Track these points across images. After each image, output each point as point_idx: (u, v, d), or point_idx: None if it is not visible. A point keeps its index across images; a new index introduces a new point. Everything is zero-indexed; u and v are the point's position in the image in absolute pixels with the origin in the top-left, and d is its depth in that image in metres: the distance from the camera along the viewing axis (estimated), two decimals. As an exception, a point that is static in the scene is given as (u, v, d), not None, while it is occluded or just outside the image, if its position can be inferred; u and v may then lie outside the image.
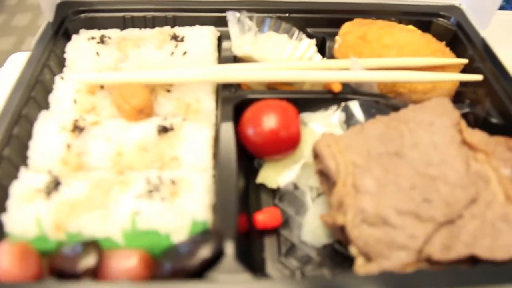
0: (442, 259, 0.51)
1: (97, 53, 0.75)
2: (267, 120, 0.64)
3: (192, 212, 0.55)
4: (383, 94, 0.73)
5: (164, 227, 0.55)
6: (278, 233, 0.63)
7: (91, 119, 0.66)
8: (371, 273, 0.50)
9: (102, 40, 0.77)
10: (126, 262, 0.52)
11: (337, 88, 0.70)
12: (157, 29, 0.80)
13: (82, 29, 0.81)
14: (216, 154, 0.64)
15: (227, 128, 0.65)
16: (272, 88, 0.76)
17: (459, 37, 0.82)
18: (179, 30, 0.79)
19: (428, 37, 0.78)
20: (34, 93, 0.69)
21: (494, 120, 0.70)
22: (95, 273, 0.51)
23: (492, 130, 0.65)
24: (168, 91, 0.71)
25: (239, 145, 0.66)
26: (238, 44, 0.76)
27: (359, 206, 0.54)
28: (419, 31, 0.80)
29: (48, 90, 0.72)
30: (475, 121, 0.70)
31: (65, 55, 0.76)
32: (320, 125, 0.68)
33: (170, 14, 0.84)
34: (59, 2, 0.83)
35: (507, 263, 0.51)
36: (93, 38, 0.77)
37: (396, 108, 0.67)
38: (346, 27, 0.81)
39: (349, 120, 0.69)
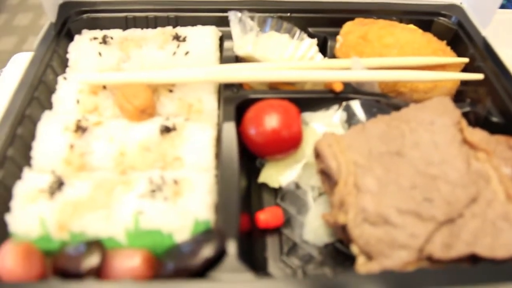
0: (442, 258, 0.51)
1: (100, 54, 0.75)
2: (269, 120, 0.64)
3: (194, 211, 0.56)
4: (384, 94, 0.73)
5: (166, 227, 0.55)
6: (280, 232, 0.64)
7: (94, 119, 0.66)
8: (372, 272, 0.50)
9: (104, 41, 0.77)
10: (129, 262, 0.53)
11: (338, 87, 0.71)
12: (159, 29, 0.80)
13: (84, 29, 0.81)
14: (218, 154, 0.64)
15: (229, 128, 0.65)
16: (274, 88, 0.76)
17: (460, 36, 0.82)
18: (181, 30, 0.79)
19: (429, 36, 0.78)
20: (37, 93, 0.69)
21: (494, 119, 0.70)
22: (98, 272, 0.51)
23: (493, 129, 0.65)
24: (171, 91, 0.71)
25: (241, 144, 0.66)
26: (240, 44, 0.76)
27: (360, 206, 0.54)
28: (420, 30, 0.80)
29: (51, 90, 0.72)
30: (476, 120, 0.71)
31: (68, 56, 0.77)
32: (322, 124, 0.69)
33: (172, 14, 0.84)
34: (62, 3, 0.84)
35: (508, 262, 0.51)
36: (95, 38, 0.78)
37: (397, 108, 0.67)
38: (347, 26, 0.81)
39: (351, 119, 0.69)
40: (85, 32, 0.81)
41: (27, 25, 2.50)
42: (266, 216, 0.63)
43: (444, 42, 0.79)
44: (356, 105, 0.69)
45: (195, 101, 0.71)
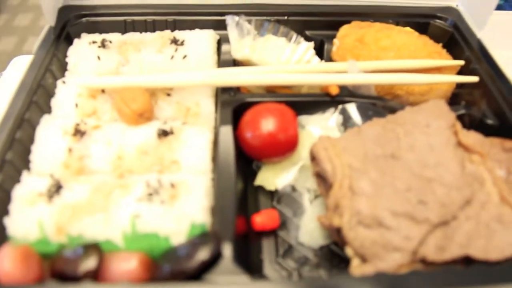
0: (436, 260, 0.51)
1: (98, 57, 0.76)
2: (265, 123, 0.65)
3: (191, 215, 0.56)
4: (380, 96, 0.74)
5: (163, 230, 0.56)
6: (275, 235, 0.64)
7: (92, 123, 0.67)
8: (366, 274, 0.51)
9: (103, 44, 0.78)
10: (126, 265, 0.53)
11: (334, 91, 0.71)
12: (157, 33, 0.81)
13: (83, 33, 0.82)
14: (215, 157, 0.65)
15: (226, 131, 0.66)
16: (271, 91, 0.77)
17: (456, 38, 0.83)
18: (179, 34, 0.80)
19: (425, 39, 0.79)
20: (36, 97, 0.70)
21: (489, 121, 0.70)
22: (95, 275, 0.52)
23: (487, 131, 0.66)
24: (168, 95, 0.72)
25: (238, 148, 0.67)
26: (237, 47, 0.77)
27: (355, 208, 0.54)
28: (416, 33, 0.80)
29: (50, 94, 0.73)
30: (470, 122, 0.71)
31: (67, 59, 0.78)
32: (318, 127, 0.69)
33: (170, 18, 0.85)
34: (61, 7, 0.85)
35: (501, 264, 0.51)
36: (94, 42, 0.78)
37: (393, 110, 0.67)
38: (344, 30, 0.82)
39: (346, 122, 0.70)
40: (84, 36, 0.81)
41: (27, 26, 2.51)
42: (262, 219, 0.63)
43: (440, 44, 0.80)
44: (352, 108, 0.70)
45: (193, 104, 0.71)
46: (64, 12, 0.84)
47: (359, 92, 0.73)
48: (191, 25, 0.84)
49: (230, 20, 0.78)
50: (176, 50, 0.77)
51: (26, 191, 0.59)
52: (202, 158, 0.64)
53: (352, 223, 0.54)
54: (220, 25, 0.82)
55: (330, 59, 0.82)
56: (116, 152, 0.64)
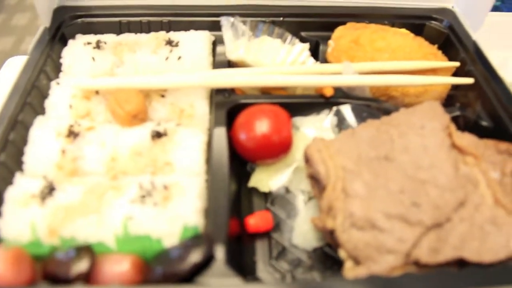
0: (430, 262, 0.51)
1: (93, 58, 0.76)
2: (259, 125, 0.65)
3: (183, 217, 0.56)
4: (375, 98, 0.74)
5: (156, 232, 0.55)
6: (269, 237, 0.64)
7: (86, 125, 0.67)
8: (359, 277, 0.51)
9: (98, 45, 0.78)
10: (118, 267, 0.53)
11: (329, 92, 0.71)
12: (152, 34, 0.81)
13: (78, 34, 0.81)
14: (209, 159, 0.64)
15: (220, 133, 0.66)
16: (266, 92, 0.76)
17: (451, 40, 0.83)
18: (174, 35, 0.80)
19: (420, 40, 0.79)
20: (30, 98, 0.70)
21: (484, 123, 0.70)
22: (87, 277, 0.51)
23: (482, 133, 0.66)
24: (163, 96, 0.72)
25: (232, 149, 0.67)
26: (232, 48, 0.76)
27: (348, 210, 0.54)
28: (412, 35, 0.80)
29: (44, 95, 0.72)
30: (465, 124, 0.71)
31: (62, 60, 0.77)
32: (312, 129, 0.69)
33: (165, 19, 0.85)
34: (56, 7, 0.84)
35: (495, 266, 0.51)
36: (89, 43, 0.78)
37: (387, 112, 0.67)
38: (339, 31, 0.81)
39: (341, 124, 0.69)
40: (79, 36, 0.81)
41: (25, 25, 2.50)
42: (256, 221, 0.63)
43: (435, 46, 0.80)
44: (346, 110, 0.70)
45: (187, 106, 0.71)
46: (59, 13, 0.84)
47: (354, 94, 0.73)
48: (187, 26, 0.84)
49: (225, 21, 0.78)
50: (171, 51, 0.76)
51: (19, 193, 0.59)
52: (195, 159, 0.64)
53: (345, 225, 0.54)
54: (216, 26, 0.81)
55: (325, 60, 0.82)
56: (110, 154, 0.64)
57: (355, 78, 0.71)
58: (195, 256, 0.51)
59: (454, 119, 0.69)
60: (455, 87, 0.77)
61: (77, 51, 0.77)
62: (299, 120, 0.71)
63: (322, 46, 0.84)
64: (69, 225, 0.56)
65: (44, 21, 0.81)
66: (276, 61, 0.75)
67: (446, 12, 0.87)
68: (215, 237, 0.54)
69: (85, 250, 0.53)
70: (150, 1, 0.86)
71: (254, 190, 0.68)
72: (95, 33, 0.82)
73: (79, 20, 0.84)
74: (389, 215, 0.54)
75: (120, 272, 0.53)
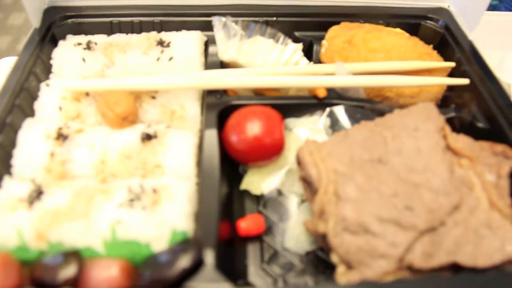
0: (423, 267, 0.50)
1: (84, 59, 0.75)
2: (251, 127, 0.64)
3: (172, 221, 0.55)
4: (369, 99, 0.73)
5: (144, 236, 0.54)
6: (261, 240, 0.63)
7: (76, 127, 0.66)
8: (352, 282, 0.50)
9: (88, 46, 0.76)
10: (106, 272, 0.52)
11: (321, 93, 0.70)
12: (143, 34, 0.80)
13: (69, 34, 0.81)
14: (199, 162, 0.64)
15: (211, 135, 0.65)
16: (259, 93, 0.75)
17: (447, 39, 0.82)
18: (165, 36, 0.79)
19: (415, 40, 0.78)
20: (19, 100, 0.69)
21: (480, 125, 0.69)
22: (75, 283, 0.50)
23: (477, 134, 0.65)
24: (153, 97, 0.71)
25: (224, 151, 0.66)
26: (224, 49, 0.75)
27: (340, 214, 0.53)
28: (407, 34, 0.79)
29: (33, 97, 0.71)
30: (461, 125, 0.70)
31: (52, 61, 0.76)
32: (305, 130, 0.68)
33: (157, 19, 0.84)
34: (46, 8, 0.83)
35: (489, 271, 0.50)
36: (79, 44, 0.77)
37: (382, 113, 0.66)
38: (333, 31, 0.81)
39: (334, 125, 0.69)
40: (70, 37, 0.80)
41: (21, 25, 2.49)
42: (247, 224, 0.62)
43: (431, 46, 0.79)
44: (339, 111, 0.69)
45: (178, 107, 0.70)
46: (49, 13, 0.83)
47: (348, 95, 0.72)
48: (179, 26, 0.83)
49: (216, 21, 0.77)
50: (162, 52, 0.75)
51: (7, 197, 0.58)
52: (186, 162, 0.63)
53: (337, 229, 0.53)
54: (208, 26, 0.80)
55: (318, 61, 0.81)
56: (99, 156, 0.63)
57: (349, 78, 0.70)
58: (184, 261, 0.50)
59: (449, 121, 0.68)
60: (450, 88, 0.76)
61: (67, 52, 0.76)
62: (292, 122, 0.70)
63: (316, 46, 0.83)
64: (56, 229, 0.55)
65: (34, 21, 0.80)
66: (269, 62, 0.74)
67: (442, 12, 0.86)
68: (204, 242, 0.53)
69: (73, 255, 0.52)
70: (141, 1, 0.85)
71: (246, 192, 0.68)
72: (86, 33, 0.81)
73: (70, 20, 0.83)
74: (382, 219, 0.53)
75: (108, 277, 0.52)
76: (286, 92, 0.75)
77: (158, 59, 0.75)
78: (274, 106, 0.68)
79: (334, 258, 0.53)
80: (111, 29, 0.83)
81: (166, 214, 0.55)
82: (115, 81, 0.69)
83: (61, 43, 0.78)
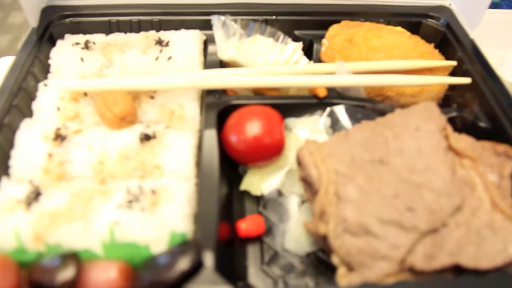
0: (425, 269, 0.50)
1: (82, 59, 0.74)
2: (250, 127, 0.63)
3: (171, 223, 0.55)
4: (370, 98, 0.72)
5: (143, 238, 0.54)
6: (261, 241, 0.63)
7: (74, 127, 0.65)
8: (353, 284, 0.49)
9: (86, 46, 0.76)
10: (105, 274, 0.52)
11: (322, 93, 0.69)
12: (142, 33, 0.79)
13: (67, 34, 0.80)
14: (199, 162, 0.63)
15: (210, 135, 0.64)
16: (258, 93, 0.75)
17: (448, 38, 0.81)
18: (164, 35, 0.78)
19: (416, 39, 0.77)
20: (17, 100, 0.68)
21: (482, 124, 0.68)
22: (73, 285, 0.50)
23: (480, 134, 0.64)
24: (152, 97, 0.70)
25: (223, 152, 0.65)
26: (223, 48, 0.75)
27: (341, 215, 0.53)
28: (408, 33, 0.79)
29: (31, 97, 0.71)
30: (462, 125, 0.69)
31: (50, 61, 0.76)
32: (305, 130, 0.67)
33: (156, 18, 0.83)
34: (44, 7, 0.82)
35: (492, 272, 0.50)
36: (77, 43, 0.76)
37: (382, 113, 0.65)
38: (333, 29, 0.80)
39: (335, 125, 0.68)
40: (68, 36, 0.79)
41: (21, 24, 2.49)
42: (247, 225, 0.62)
43: (432, 44, 0.78)
44: (340, 111, 0.68)
45: (177, 107, 0.69)
46: (47, 13, 0.82)
47: (348, 94, 0.71)
48: (178, 25, 0.82)
49: (216, 20, 0.76)
50: (161, 51, 0.75)
51: (4, 198, 0.57)
52: (185, 163, 0.62)
53: (338, 230, 0.52)
54: (207, 25, 0.79)
55: (319, 60, 0.80)
56: (97, 157, 0.63)
57: (349, 78, 0.69)
58: (183, 264, 0.50)
59: (451, 120, 0.67)
60: (452, 87, 0.76)
61: (65, 51, 0.76)
62: (292, 121, 0.69)
63: (316, 45, 0.82)
64: (55, 231, 0.55)
65: (32, 21, 0.79)
66: (269, 61, 0.74)
67: (443, 10, 0.85)
68: (204, 243, 0.52)
69: (71, 257, 0.51)
70: (139, 0, 0.84)
71: (246, 193, 0.67)
72: (84, 32, 0.80)
73: (68, 19, 0.82)
74: (383, 221, 0.52)
75: (107, 279, 0.51)
76: (286, 91, 0.74)
77: (157, 58, 0.74)
78: (274, 106, 0.67)
79: (335, 259, 0.52)
80: (109, 29, 0.83)
81: (165, 216, 0.55)
82: (113, 81, 0.69)
83: (59, 42, 0.78)
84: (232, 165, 0.69)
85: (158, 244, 0.54)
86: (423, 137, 0.60)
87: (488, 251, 0.51)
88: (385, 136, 0.60)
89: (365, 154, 0.58)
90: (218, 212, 0.56)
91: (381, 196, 0.54)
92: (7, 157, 0.63)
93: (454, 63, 0.76)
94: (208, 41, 0.81)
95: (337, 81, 0.69)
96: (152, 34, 0.78)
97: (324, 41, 0.79)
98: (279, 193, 0.65)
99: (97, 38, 0.78)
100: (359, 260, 0.51)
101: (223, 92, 0.71)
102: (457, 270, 0.51)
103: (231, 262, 0.59)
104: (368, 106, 0.69)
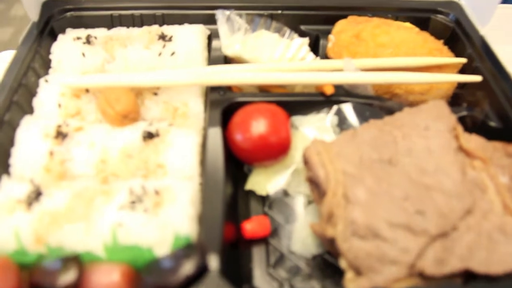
0: (435, 274, 0.49)
1: (83, 54, 0.73)
2: (256, 125, 0.62)
3: (175, 224, 0.53)
4: (378, 96, 0.70)
5: (146, 240, 0.53)
6: (267, 242, 0.62)
7: (75, 125, 0.64)
8: (361, 289, 0.48)
9: (88, 40, 0.74)
10: (107, 277, 0.51)
11: (329, 90, 0.68)
12: (144, 28, 0.77)
13: (68, 28, 0.79)
14: (203, 161, 0.62)
15: (215, 134, 0.63)
16: (263, 89, 0.73)
17: (457, 34, 0.79)
18: (167, 29, 0.77)
19: (425, 35, 0.75)
20: (17, 97, 0.67)
21: (492, 124, 0.67)
22: (75, 288, 0.49)
23: (490, 134, 0.63)
24: (155, 94, 0.69)
25: (228, 150, 0.64)
26: (228, 43, 0.73)
27: (349, 218, 0.51)
28: (416, 29, 0.77)
29: (32, 93, 0.69)
30: (472, 124, 0.68)
31: (51, 56, 0.74)
32: (312, 128, 0.66)
33: (159, 12, 0.81)
34: (45, 1, 0.81)
35: (503, 278, 0.49)
36: (79, 38, 0.75)
37: (391, 111, 0.64)
38: (340, 25, 0.78)
39: (342, 123, 0.66)
40: (69, 31, 0.78)
41: (23, 16, 2.48)
42: (253, 226, 0.61)
43: (441, 41, 0.76)
44: (347, 109, 0.67)
45: (181, 104, 0.68)
46: (48, 6, 0.80)
47: (356, 91, 0.69)
48: (181, 19, 0.80)
49: (220, 14, 0.75)
50: (164, 46, 0.73)
51: (5, 198, 0.56)
52: (189, 162, 0.61)
53: (346, 234, 0.51)
54: (211, 20, 0.78)
55: (325, 55, 0.79)
56: (99, 156, 0.61)
57: (357, 75, 0.68)
58: (188, 268, 0.49)
59: (461, 119, 0.65)
60: (462, 85, 0.74)
61: (66, 46, 0.74)
62: (298, 119, 0.68)
63: (323, 41, 0.81)
64: (56, 232, 0.53)
65: (32, 15, 0.77)
66: (274, 57, 0.72)
67: (452, 5, 0.83)
68: (209, 247, 0.51)
69: (73, 259, 0.51)
70: (142, -6, 0.82)
71: (251, 193, 0.66)
72: (86, 27, 0.79)
73: (69, 13, 0.81)
74: (392, 224, 0.51)
75: (109, 282, 0.51)
76: (292, 88, 0.73)
77: (160, 54, 0.73)
78: (279, 103, 0.66)
79: (342, 263, 0.51)
80: (111, 23, 0.81)
81: (169, 217, 0.54)
82: (115, 77, 0.67)
83: (60, 37, 0.76)
84: (237, 164, 0.67)
85: (162, 246, 0.53)
86: (432, 137, 0.58)
87: (499, 255, 0.50)
88: (394, 135, 0.59)
89: (373, 154, 0.57)
90: (223, 213, 0.55)
91: (390, 198, 0.53)
92: (7, 155, 0.62)
93: (463, 60, 0.74)
94: (212, 36, 0.79)
95: (345, 78, 0.68)
96: (155, 29, 0.76)
97: (331, 36, 0.78)
98: (285, 193, 0.64)
99: (99, 32, 0.77)
100: (367, 264, 0.50)
101: (227, 88, 0.69)
102: (468, 275, 0.50)
103: (236, 265, 0.57)
104: (376, 104, 0.68)
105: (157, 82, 0.67)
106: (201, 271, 0.49)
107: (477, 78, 0.70)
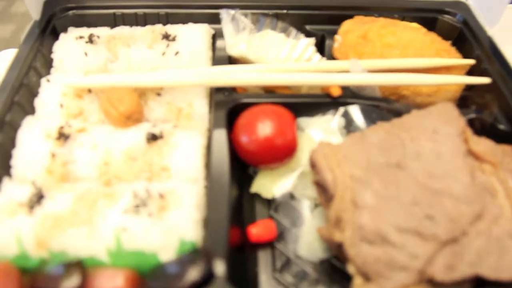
0: (445, 280, 0.48)
1: (86, 53, 0.72)
2: (262, 127, 0.61)
3: (180, 229, 0.52)
4: (385, 98, 0.70)
5: (150, 245, 0.52)
6: (272, 247, 0.61)
7: (77, 126, 0.63)
8: (369, 295, 0.47)
9: (90, 40, 0.73)
10: (111, 283, 0.50)
11: (336, 92, 0.67)
12: (148, 27, 0.76)
13: (70, 27, 0.77)
14: (208, 164, 0.61)
15: (220, 135, 0.62)
16: (269, 90, 0.72)
17: (465, 35, 0.78)
18: (171, 29, 0.76)
19: (432, 36, 0.74)
20: (19, 97, 0.66)
21: (501, 127, 0.66)
22: (78, 294, 0.48)
23: (499, 137, 0.62)
24: (159, 94, 0.68)
25: (233, 152, 0.63)
26: (233, 43, 0.72)
27: (357, 223, 0.51)
28: (423, 29, 0.76)
29: (34, 93, 0.69)
30: (481, 127, 0.67)
31: (53, 55, 0.73)
32: (318, 130, 0.65)
33: (162, 11, 0.80)
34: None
35: (514, 284, 0.48)
36: (81, 37, 0.74)
37: (398, 113, 0.63)
38: (347, 25, 0.77)
39: (349, 125, 0.66)
40: (71, 30, 0.77)
41: (25, 13, 2.46)
42: (258, 230, 0.60)
43: (449, 42, 0.75)
44: (354, 111, 0.66)
45: (185, 105, 0.67)
46: (50, 5, 0.79)
47: (363, 93, 0.68)
48: (185, 19, 0.79)
49: (225, 14, 0.74)
50: (167, 46, 0.72)
51: (6, 201, 0.55)
52: (193, 164, 0.60)
53: (355, 239, 0.50)
54: (215, 19, 0.77)
55: (331, 56, 0.78)
56: (102, 157, 0.60)
57: (364, 77, 0.67)
58: (193, 274, 0.48)
59: (469, 122, 0.64)
60: (470, 87, 0.73)
61: (68, 45, 0.73)
62: (304, 121, 0.67)
63: (329, 41, 0.80)
64: (58, 236, 0.53)
65: (34, 14, 0.76)
66: (280, 57, 0.71)
67: (460, 5, 0.82)
68: (214, 252, 0.50)
69: (76, 265, 0.50)
70: (145, -8, 0.81)
71: (257, 195, 0.65)
72: (88, 25, 0.78)
73: (71, 12, 0.80)
74: (401, 229, 0.50)
75: (113, 288, 0.49)
76: (298, 90, 0.72)
77: (163, 53, 0.72)
78: (285, 105, 0.65)
79: (350, 268, 0.50)
80: (114, 21, 0.80)
81: (174, 222, 0.53)
82: (118, 77, 0.66)
83: (62, 36, 0.75)
84: (242, 166, 0.66)
85: (166, 251, 0.52)
86: (441, 140, 0.58)
87: (510, 261, 0.49)
88: (402, 138, 0.58)
89: (381, 157, 0.56)
90: (229, 217, 0.54)
91: (398, 202, 0.52)
92: (8, 156, 0.61)
93: (472, 61, 0.73)
94: (216, 36, 0.78)
95: (352, 79, 0.67)
96: (159, 28, 0.75)
97: (337, 37, 0.77)
98: (291, 196, 0.63)
99: (102, 31, 0.76)
100: (376, 269, 0.49)
101: (232, 89, 0.68)
102: (478, 281, 0.49)
103: (242, 270, 0.57)
104: (383, 106, 0.67)
105: (161, 82, 0.66)
106: (207, 277, 0.48)
107: (486, 80, 0.69)
